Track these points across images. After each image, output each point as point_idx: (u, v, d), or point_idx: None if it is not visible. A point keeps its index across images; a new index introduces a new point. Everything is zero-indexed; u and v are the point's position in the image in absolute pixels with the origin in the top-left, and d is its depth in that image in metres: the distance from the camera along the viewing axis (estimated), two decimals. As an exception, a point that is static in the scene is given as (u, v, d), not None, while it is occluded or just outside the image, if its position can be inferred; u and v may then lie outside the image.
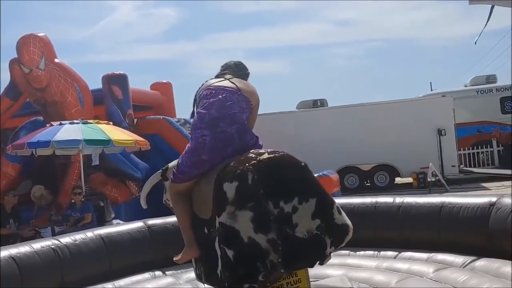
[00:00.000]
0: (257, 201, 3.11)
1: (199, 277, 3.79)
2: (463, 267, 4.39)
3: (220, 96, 3.61)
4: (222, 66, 3.97)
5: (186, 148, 3.61)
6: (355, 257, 5.08)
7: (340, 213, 3.27)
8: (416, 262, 4.69)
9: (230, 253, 3.11)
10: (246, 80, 3.90)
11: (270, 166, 3.19)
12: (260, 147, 3.57)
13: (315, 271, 4.06)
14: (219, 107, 3.56)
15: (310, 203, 3.16)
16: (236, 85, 3.69)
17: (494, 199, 4.56)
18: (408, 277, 4.34)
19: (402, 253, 4.97)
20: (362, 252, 5.15)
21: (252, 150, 3.37)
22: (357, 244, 5.21)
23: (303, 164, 3.29)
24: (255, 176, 3.14)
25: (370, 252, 5.15)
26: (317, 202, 3.18)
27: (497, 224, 4.38)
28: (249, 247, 3.07)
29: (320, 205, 3.18)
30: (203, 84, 3.82)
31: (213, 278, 3.43)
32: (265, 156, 3.24)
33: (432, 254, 4.76)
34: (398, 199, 5.29)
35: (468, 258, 4.48)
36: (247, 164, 3.19)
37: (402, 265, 4.65)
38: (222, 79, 3.77)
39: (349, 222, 3.30)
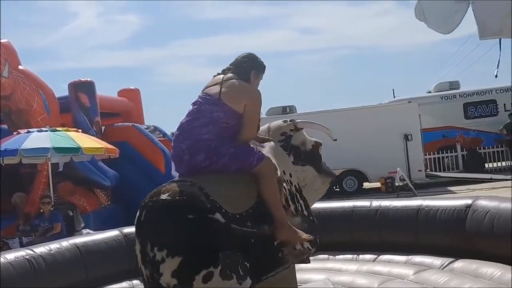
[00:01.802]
0: (141, 239, 3.18)
1: None
2: (442, 269, 4.46)
3: (195, 107, 3.50)
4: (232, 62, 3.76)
5: None
6: (335, 261, 5.10)
7: (207, 281, 3.05)
8: (396, 265, 4.74)
9: None
10: (249, 74, 3.62)
11: (158, 209, 3.16)
12: (229, 167, 3.37)
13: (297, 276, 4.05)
14: (186, 120, 3.47)
15: (175, 260, 3.05)
16: (219, 91, 3.48)
17: (470, 201, 4.65)
18: (389, 280, 4.38)
19: (381, 256, 5.02)
20: (341, 256, 5.17)
21: (169, 184, 3.27)
22: (335, 248, 5.26)
23: (191, 217, 3.10)
24: (147, 214, 3.17)
25: (349, 256, 5.17)
26: (182, 262, 3.04)
27: (473, 226, 4.47)
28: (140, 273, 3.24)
29: (183, 266, 3.04)
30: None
31: None
32: (163, 196, 3.17)
33: (410, 257, 4.82)
34: (375, 203, 5.34)
35: (446, 260, 4.55)
36: (150, 198, 3.21)
37: (382, 268, 4.69)
38: (219, 80, 3.57)
39: None
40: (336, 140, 4.13)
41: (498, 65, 3.94)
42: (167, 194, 3.17)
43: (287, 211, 3.53)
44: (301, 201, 3.71)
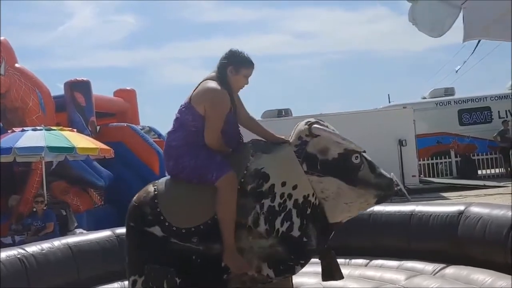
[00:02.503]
0: None
1: None
2: (434, 275, 4.46)
3: (177, 111, 3.54)
4: None
5: None
6: (327, 265, 5.08)
7: (133, 286, 3.36)
8: (388, 270, 4.74)
9: None
10: (225, 71, 3.46)
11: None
12: (191, 180, 3.35)
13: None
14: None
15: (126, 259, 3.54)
16: (192, 94, 3.44)
17: (462, 207, 4.66)
18: (381, 285, 4.38)
19: (373, 261, 5.01)
20: (333, 260, 5.15)
21: (147, 185, 3.54)
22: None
23: (132, 225, 3.42)
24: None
25: (341, 260, 5.11)
26: (127, 261, 3.49)
27: (466, 232, 4.47)
28: None
29: (126, 266, 3.49)
30: None
31: None
32: (134, 197, 3.49)
33: (402, 262, 4.82)
34: (368, 208, 5.34)
35: (437, 266, 4.55)
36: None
37: (374, 273, 4.69)
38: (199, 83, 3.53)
39: None
40: (364, 152, 3.48)
41: (463, 63, 4.01)
42: (136, 196, 3.45)
43: (251, 232, 3.26)
44: (296, 219, 3.30)
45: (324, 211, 3.42)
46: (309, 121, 3.49)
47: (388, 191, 3.51)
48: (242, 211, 3.26)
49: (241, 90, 3.61)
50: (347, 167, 3.38)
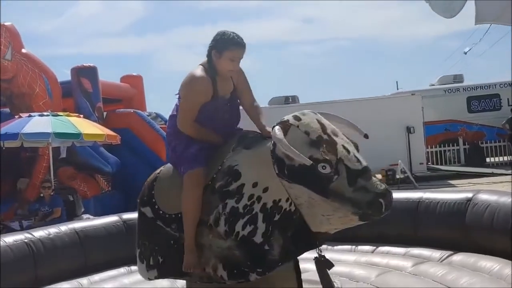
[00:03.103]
0: None
1: None
2: (441, 262, 4.45)
3: None
4: None
5: None
6: (333, 252, 5.06)
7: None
8: (394, 257, 4.73)
9: None
10: (211, 54, 3.25)
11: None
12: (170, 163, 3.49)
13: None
14: None
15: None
16: None
17: (470, 194, 4.63)
18: (388, 271, 4.37)
19: (379, 248, 5.00)
20: (339, 247, 5.15)
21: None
22: (334, 239, 5.21)
23: (138, 201, 3.57)
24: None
25: (348, 247, 5.16)
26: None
27: (473, 219, 4.45)
28: None
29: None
30: None
31: None
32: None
33: (409, 249, 4.81)
34: (375, 194, 5.31)
35: (445, 253, 4.54)
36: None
37: (381, 260, 4.68)
38: None
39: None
40: (313, 164, 2.85)
41: (473, 46, 3.92)
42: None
43: (211, 230, 3.13)
44: (261, 225, 3.02)
45: (304, 219, 3.07)
46: (282, 120, 3.04)
47: (367, 210, 2.82)
48: (207, 209, 3.16)
49: (248, 76, 3.47)
50: (315, 176, 2.88)
